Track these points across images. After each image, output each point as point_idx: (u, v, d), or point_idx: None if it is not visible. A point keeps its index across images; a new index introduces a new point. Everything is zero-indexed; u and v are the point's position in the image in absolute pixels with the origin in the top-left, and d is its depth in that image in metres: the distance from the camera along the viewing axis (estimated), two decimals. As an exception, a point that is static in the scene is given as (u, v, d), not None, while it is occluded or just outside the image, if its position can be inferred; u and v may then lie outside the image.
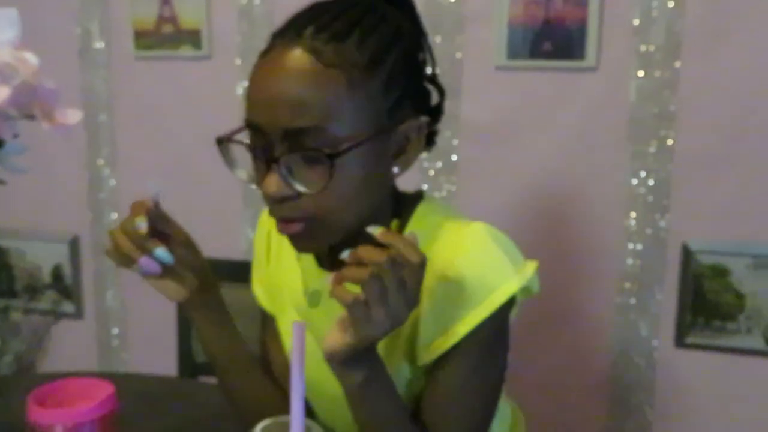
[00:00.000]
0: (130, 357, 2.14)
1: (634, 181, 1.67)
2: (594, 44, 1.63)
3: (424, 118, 0.85)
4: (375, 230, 0.74)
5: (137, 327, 2.12)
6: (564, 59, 1.66)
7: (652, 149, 1.65)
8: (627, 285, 1.71)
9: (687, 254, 1.66)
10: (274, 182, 0.79)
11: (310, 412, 1.08)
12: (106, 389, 0.78)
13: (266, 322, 1.09)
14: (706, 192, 1.63)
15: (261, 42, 1.88)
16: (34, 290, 2.18)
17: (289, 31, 0.80)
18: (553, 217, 1.71)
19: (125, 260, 0.85)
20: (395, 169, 0.85)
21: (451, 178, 1.75)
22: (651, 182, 1.66)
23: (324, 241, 0.85)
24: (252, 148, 0.83)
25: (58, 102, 0.73)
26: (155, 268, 0.84)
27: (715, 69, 1.59)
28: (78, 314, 2.18)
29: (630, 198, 1.68)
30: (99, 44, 2.02)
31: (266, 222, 1.09)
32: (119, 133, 2.05)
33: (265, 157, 0.81)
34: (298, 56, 0.77)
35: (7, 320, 2.18)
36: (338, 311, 0.95)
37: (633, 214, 1.68)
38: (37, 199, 2.14)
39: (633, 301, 1.71)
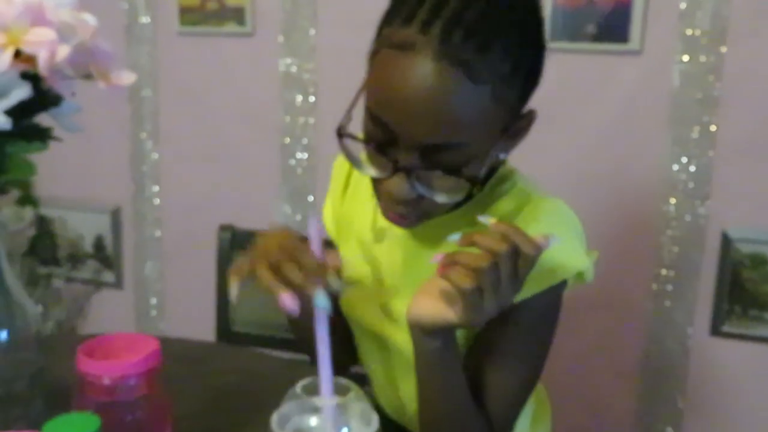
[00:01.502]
0: (167, 327, 2.18)
1: (675, 167, 1.65)
2: (638, 27, 1.61)
3: (534, 110, 0.84)
4: (488, 220, 0.74)
5: (175, 298, 2.16)
6: (607, 42, 1.65)
7: (694, 135, 1.63)
8: (663, 272, 1.70)
9: (726, 242, 1.64)
10: (401, 187, 0.78)
11: (353, 353, 1.09)
12: (151, 344, 0.80)
13: None
14: (748, 179, 1.62)
15: (304, 20, 1.89)
16: (75, 259, 2.23)
17: (433, 27, 0.73)
18: (591, 201, 1.70)
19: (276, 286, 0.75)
20: (501, 156, 0.85)
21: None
22: (692, 168, 1.64)
23: (426, 221, 0.85)
24: (371, 139, 0.79)
25: (113, 63, 0.75)
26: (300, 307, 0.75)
27: (762, 54, 1.57)
28: (118, 284, 2.22)
29: (670, 184, 1.67)
30: (145, 19, 2.05)
31: None
32: (162, 107, 2.09)
33: (392, 159, 0.78)
34: (446, 70, 0.72)
35: (49, 287, 2.24)
36: (400, 251, 0.95)
37: (672, 200, 1.67)
38: (81, 170, 2.19)
39: (669, 287, 1.70)
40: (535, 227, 0.83)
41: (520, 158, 0.97)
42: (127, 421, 0.78)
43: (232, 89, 2.00)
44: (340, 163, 1.10)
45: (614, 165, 1.69)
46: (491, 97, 0.74)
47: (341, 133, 0.81)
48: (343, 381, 0.80)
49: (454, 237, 0.73)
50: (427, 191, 0.78)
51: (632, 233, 1.71)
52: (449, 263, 0.73)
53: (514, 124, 0.82)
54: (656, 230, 1.69)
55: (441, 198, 0.78)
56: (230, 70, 1.99)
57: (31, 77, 0.70)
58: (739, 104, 1.60)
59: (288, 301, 0.73)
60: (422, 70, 0.73)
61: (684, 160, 1.65)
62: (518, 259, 0.72)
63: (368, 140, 0.80)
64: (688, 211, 1.66)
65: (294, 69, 1.92)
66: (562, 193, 0.91)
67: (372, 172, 0.81)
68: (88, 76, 0.73)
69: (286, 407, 0.77)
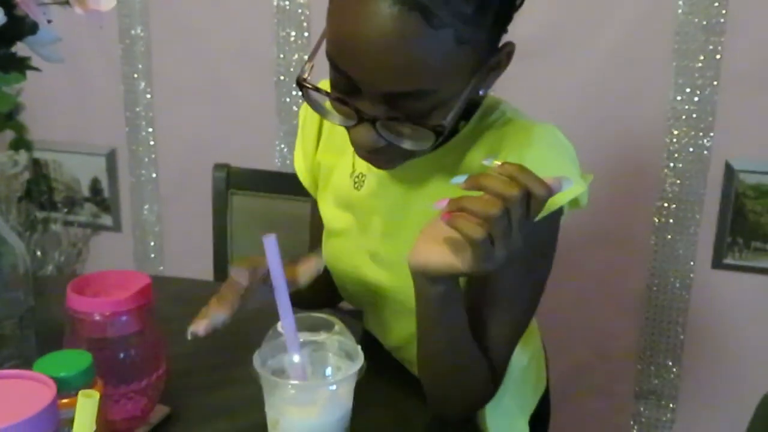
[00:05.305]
0: (166, 270, 2.17)
1: (679, 97, 1.62)
2: (642, -48, 1.56)
3: (511, 42, 0.80)
4: (492, 162, 0.69)
5: (174, 239, 2.15)
6: (610, -32, 1.59)
7: (698, 64, 1.59)
8: (665, 205, 1.68)
9: (729, 173, 1.61)
10: (367, 136, 0.75)
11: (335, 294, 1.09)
12: (143, 280, 0.79)
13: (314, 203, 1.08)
14: (753, 109, 1.58)
15: (296, -48, 1.83)
16: (72, 203, 2.21)
17: None
18: (592, 133, 1.66)
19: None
20: (481, 92, 0.81)
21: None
22: (696, 98, 1.61)
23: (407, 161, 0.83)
24: (336, 88, 0.77)
25: (90, -12, 0.71)
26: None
27: (770, -21, 1.51)
28: (116, 227, 2.21)
29: (673, 114, 1.63)
30: (133, -46, 1.98)
31: None
32: (154, 46, 2.04)
33: (355, 109, 0.75)
34: (403, 14, 0.68)
35: (47, 232, 2.22)
36: (383, 196, 0.92)
37: (675, 132, 1.64)
38: (75, 113, 2.15)
39: (671, 221, 1.68)
40: (528, 153, 0.81)
41: (519, 90, 0.95)
42: (119, 358, 0.77)
43: (225, 26, 1.94)
44: (310, 111, 1.06)
45: (615, 95, 1.65)
46: (454, 41, 0.70)
47: (302, 84, 0.77)
48: (327, 317, 0.79)
49: (458, 179, 0.69)
50: (394, 139, 0.75)
51: (633, 166, 1.68)
52: (455, 209, 0.69)
53: (488, 61, 0.78)
54: (658, 163, 1.67)
55: (408, 145, 0.75)
56: (223, 5, 1.93)
57: (4, 3, 0.66)
58: (746, 31, 1.55)
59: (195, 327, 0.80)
60: (378, 15, 0.68)
61: (688, 89, 1.61)
62: (529, 202, 0.69)
63: (333, 88, 0.77)
64: (690, 143, 1.63)
65: (287, 4, 1.87)
66: (563, 125, 0.88)
67: (338, 120, 0.79)
68: (64, 2, 0.70)
69: (267, 346, 0.77)
